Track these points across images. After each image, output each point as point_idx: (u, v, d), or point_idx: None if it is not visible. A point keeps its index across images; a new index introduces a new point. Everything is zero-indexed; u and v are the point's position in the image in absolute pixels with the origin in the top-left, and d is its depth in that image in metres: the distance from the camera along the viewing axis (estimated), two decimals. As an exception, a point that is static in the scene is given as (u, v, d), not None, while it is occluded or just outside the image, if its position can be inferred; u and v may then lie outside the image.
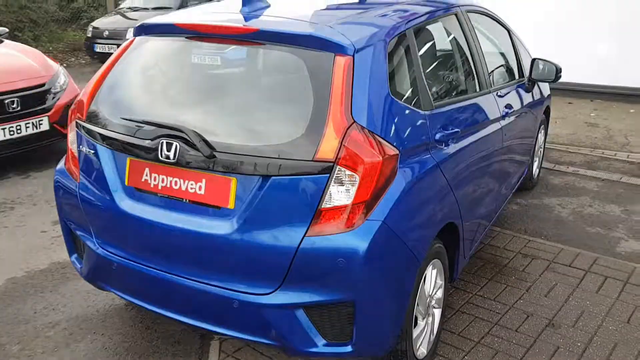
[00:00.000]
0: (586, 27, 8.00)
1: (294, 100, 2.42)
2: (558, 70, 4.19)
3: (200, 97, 2.66)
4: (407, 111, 2.59)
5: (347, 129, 2.26)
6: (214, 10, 3.00)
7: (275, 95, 2.55)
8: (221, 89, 2.67)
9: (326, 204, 2.25)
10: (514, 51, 4.31)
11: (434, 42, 3.19)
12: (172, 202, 2.51)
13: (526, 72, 4.31)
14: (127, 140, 2.58)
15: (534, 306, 3.38)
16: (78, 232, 2.89)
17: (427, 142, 2.65)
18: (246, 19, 2.67)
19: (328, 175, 2.23)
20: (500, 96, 3.68)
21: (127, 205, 2.61)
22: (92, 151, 2.72)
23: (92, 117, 2.77)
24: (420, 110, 2.67)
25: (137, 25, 2.92)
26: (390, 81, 2.53)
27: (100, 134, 2.68)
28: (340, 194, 2.24)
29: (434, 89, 2.94)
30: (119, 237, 2.69)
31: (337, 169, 2.23)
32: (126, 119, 2.62)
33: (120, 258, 2.68)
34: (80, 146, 2.80)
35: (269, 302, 2.34)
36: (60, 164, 2.98)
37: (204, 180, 2.42)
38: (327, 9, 3.00)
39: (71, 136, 2.89)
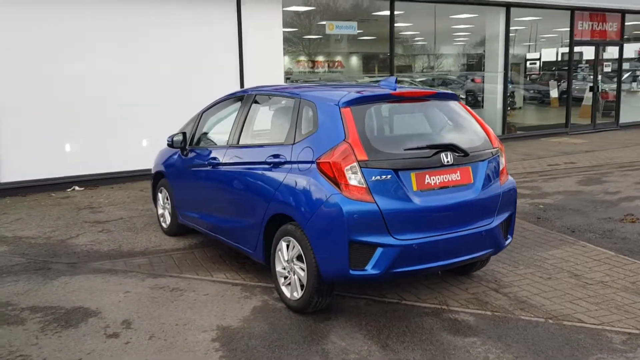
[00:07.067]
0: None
1: (466, 122, 4.70)
2: None
3: (429, 128, 4.51)
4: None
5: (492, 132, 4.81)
6: (388, 87, 4.68)
7: (458, 120, 4.69)
8: (431, 122, 4.58)
9: (501, 167, 4.72)
10: None
11: None
12: (443, 190, 4.31)
13: None
14: (416, 159, 4.18)
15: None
16: (371, 240, 4.00)
17: None
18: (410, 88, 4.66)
19: (498, 154, 4.72)
20: None
21: (420, 202, 4.17)
22: (388, 176, 4.07)
23: (376, 156, 4.07)
24: None
25: (346, 99, 4.28)
26: None
27: (393, 162, 4.09)
28: (502, 163, 4.75)
29: None
30: (417, 225, 4.14)
31: (499, 150, 4.75)
32: (410, 149, 4.20)
33: (418, 239, 4.14)
34: (373, 177, 4.03)
35: (494, 225, 4.56)
36: (345, 204, 3.95)
37: (458, 172, 4.39)
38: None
39: (356, 178, 4.00)
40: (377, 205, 4.02)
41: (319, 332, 4.15)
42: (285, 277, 4.55)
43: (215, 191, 5.38)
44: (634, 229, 6.59)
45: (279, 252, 4.55)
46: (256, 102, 5.24)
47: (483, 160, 4.53)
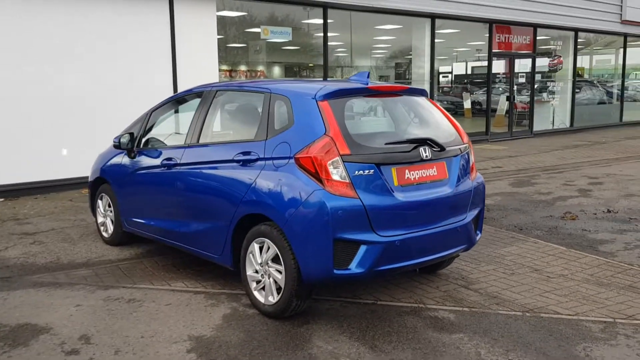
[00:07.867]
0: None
1: (437, 117, 4.64)
2: None
3: (404, 122, 4.40)
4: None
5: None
6: (361, 82, 4.54)
7: (429, 116, 4.61)
8: (405, 117, 4.48)
9: (470, 163, 4.71)
10: None
11: None
12: (422, 185, 4.23)
13: None
14: (397, 154, 4.07)
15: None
16: (355, 237, 3.85)
17: None
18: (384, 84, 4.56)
19: (468, 150, 4.71)
20: None
21: (401, 197, 4.06)
22: (371, 171, 3.93)
23: (358, 150, 3.92)
24: None
25: (323, 93, 4.11)
26: None
27: (375, 156, 3.96)
28: (471, 159, 4.75)
29: None
30: (398, 221, 4.03)
31: (468, 146, 4.74)
32: (390, 143, 4.08)
33: (400, 236, 4.03)
34: (355, 171, 3.88)
35: (467, 221, 4.53)
36: (328, 199, 3.78)
37: (434, 167, 4.33)
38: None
39: (339, 172, 3.83)
40: (361, 201, 3.87)
41: (300, 337, 3.92)
42: (258, 282, 4.29)
43: (171, 194, 5.03)
44: (577, 226, 6.83)
45: (251, 255, 4.29)
46: (217, 98, 4.95)
47: (456, 156, 4.49)
